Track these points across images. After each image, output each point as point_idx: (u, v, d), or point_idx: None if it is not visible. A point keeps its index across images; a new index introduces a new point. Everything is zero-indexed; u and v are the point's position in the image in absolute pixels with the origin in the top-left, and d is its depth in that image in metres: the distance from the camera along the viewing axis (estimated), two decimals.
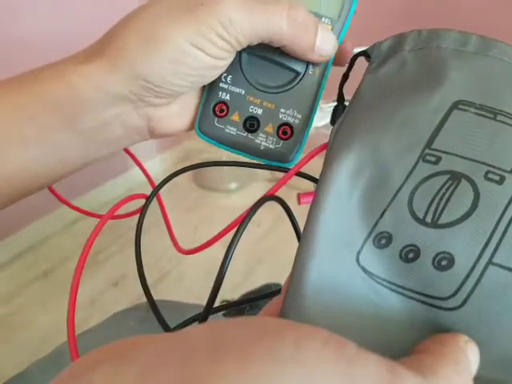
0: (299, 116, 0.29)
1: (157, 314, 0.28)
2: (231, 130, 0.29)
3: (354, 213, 0.19)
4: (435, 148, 0.19)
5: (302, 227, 0.27)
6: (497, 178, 0.19)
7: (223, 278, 0.25)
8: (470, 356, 0.16)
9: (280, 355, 0.12)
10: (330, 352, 0.13)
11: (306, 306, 0.18)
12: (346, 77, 0.28)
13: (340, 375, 0.12)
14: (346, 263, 0.18)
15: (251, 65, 0.29)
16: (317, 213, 0.19)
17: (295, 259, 0.19)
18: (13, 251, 1.23)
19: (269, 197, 0.29)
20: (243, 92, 0.30)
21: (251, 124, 0.29)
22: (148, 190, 0.32)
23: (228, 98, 0.30)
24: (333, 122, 0.28)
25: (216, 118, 0.29)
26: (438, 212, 0.18)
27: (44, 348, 0.39)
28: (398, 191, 0.19)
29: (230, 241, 0.23)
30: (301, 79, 0.29)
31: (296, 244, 0.26)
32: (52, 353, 0.36)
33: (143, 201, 0.32)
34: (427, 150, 0.20)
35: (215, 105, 0.30)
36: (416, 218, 0.18)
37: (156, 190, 0.31)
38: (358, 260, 0.18)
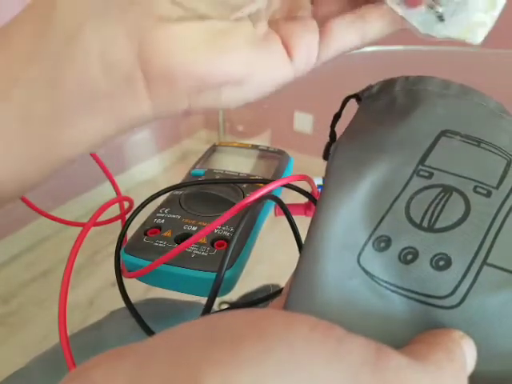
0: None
1: (137, 317, 0.28)
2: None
3: (355, 217, 0.20)
4: (428, 165, 0.22)
5: (300, 227, 0.27)
6: (484, 191, 0.21)
7: (222, 278, 0.25)
8: (464, 349, 0.16)
9: (270, 338, 0.12)
10: (318, 334, 0.13)
11: (309, 309, 0.18)
12: (337, 116, 0.31)
13: (328, 353, 0.13)
14: (348, 264, 0.19)
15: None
16: (322, 217, 0.20)
17: (299, 261, 0.20)
18: (11, 251, 1.22)
19: (266, 196, 0.29)
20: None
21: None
22: (147, 190, 0.32)
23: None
24: (325, 157, 0.30)
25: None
26: (434, 218, 0.20)
27: (42, 348, 0.39)
28: (395, 199, 0.21)
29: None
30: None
31: (294, 244, 0.27)
32: (50, 350, 0.36)
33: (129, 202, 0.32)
34: (421, 166, 0.22)
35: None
36: (413, 223, 0.20)
37: (137, 211, 0.31)
38: (359, 261, 0.19)
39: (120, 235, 0.30)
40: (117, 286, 0.29)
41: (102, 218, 0.30)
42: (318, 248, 0.19)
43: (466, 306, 0.18)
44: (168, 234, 0.29)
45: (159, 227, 0.30)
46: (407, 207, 0.20)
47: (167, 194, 0.34)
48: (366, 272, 0.19)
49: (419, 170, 0.21)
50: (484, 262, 0.19)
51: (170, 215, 0.31)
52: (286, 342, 0.12)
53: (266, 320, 0.13)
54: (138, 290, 0.31)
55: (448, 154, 0.22)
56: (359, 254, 0.19)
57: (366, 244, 0.20)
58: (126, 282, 0.29)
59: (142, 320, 0.27)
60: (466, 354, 0.16)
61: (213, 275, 0.25)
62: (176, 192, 0.34)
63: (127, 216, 0.32)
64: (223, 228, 0.29)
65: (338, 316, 0.18)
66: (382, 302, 0.19)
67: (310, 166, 0.38)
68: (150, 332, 0.27)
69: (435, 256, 0.19)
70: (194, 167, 0.39)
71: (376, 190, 0.21)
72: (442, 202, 0.20)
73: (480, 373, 0.17)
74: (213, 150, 0.42)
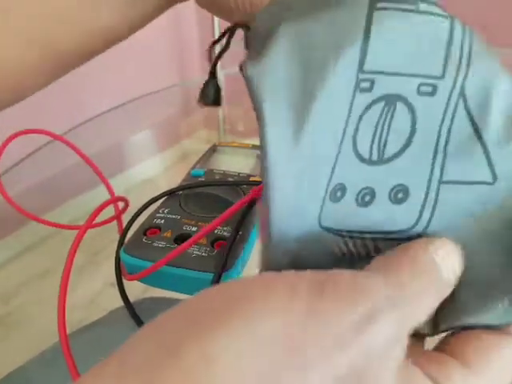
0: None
1: (135, 318, 0.28)
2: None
3: (304, 174, 0.17)
4: (367, 70, 0.17)
5: None
6: (429, 89, 0.18)
7: (219, 278, 0.25)
8: (439, 259, 0.16)
9: (247, 311, 0.12)
10: (299, 303, 0.13)
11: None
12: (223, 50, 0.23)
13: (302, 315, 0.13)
14: (309, 228, 0.18)
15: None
16: (269, 180, 0.17)
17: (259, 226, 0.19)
18: (11, 251, 1.22)
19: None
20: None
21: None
22: (147, 190, 0.32)
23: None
24: (203, 98, 0.24)
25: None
26: (382, 147, 0.18)
27: (42, 347, 0.38)
28: (342, 139, 0.17)
29: None
30: None
31: None
32: (49, 349, 0.36)
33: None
34: (360, 75, 0.17)
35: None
36: (363, 160, 0.18)
37: (135, 215, 0.31)
38: (320, 223, 0.18)
39: (120, 238, 0.30)
40: (116, 286, 0.29)
41: (102, 218, 0.29)
42: (276, 233, 0.17)
43: (431, 230, 0.17)
44: (168, 234, 0.29)
45: (159, 227, 0.30)
46: (354, 143, 0.18)
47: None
48: (329, 229, 0.18)
49: (360, 82, 0.17)
50: (440, 181, 0.18)
51: (170, 215, 0.31)
52: (262, 313, 0.12)
53: (242, 292, 0.13)
54: (136, 289, 0.31)
55: (385, 42, 0.17)
56: (319, 216, 0.18)
57: (323, 201, 0.18)
58: (126, 282, 0.29)
59: (141, 321, 0.27)
60: (444, 263, 0.16)
61: (212, 276, 0.25)
62: (175, 192, 0.34)
63: (123, 216, 0.32)
64: (223, 228, 0.29)
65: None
66: (349, 256, 0.18)
67: None
68: None
69: (392, 190, 0.18)
70: (193, 167, 0.39)
71: (319, 137, 0.17)
72: (387, 122, 0.18)
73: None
74: (213, 149, 0.42)
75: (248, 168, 0.38)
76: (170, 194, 0.33)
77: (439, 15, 0.17)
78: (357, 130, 0.17)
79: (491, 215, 0.18)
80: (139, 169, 0.89)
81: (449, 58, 0.17)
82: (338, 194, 0.18)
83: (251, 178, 0.36)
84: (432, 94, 0.18)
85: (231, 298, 0.13)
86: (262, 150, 0.17)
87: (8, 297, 1.14)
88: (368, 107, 0.17)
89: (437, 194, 0.18)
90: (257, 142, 0.17)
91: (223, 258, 0.26)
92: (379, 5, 0.17)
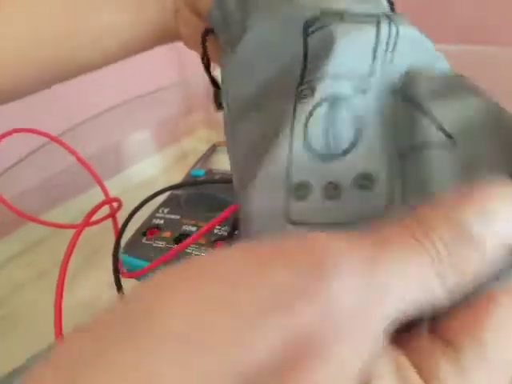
0: None
1: None
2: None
3: (270, 181, 0.19)
4: (306, 80, 0.20)
5: None
6: (364, 87, 0.19)
7: None
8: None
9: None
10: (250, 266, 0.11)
11: None
12: (207, 63, 0.27)
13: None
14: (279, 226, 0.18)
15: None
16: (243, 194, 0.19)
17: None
18: (9, 252, 1.22)
19: None
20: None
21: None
22: (146, 190, 0.32)
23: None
24: (218, 107, 0.27)
25: None
26: (336, 141, 0.18)
27: (42, 348, 0.38)
28: (291, 141, 0.19)
29: None
30: None
31: None
32: (46, 349, 0.35)
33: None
34: (301, 87, 0.20)
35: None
36: (319, 156, 0.18)
37: (131, 214, 0.31)
38: (289, 219, 0.18)
39: (117, 238, 0.30)
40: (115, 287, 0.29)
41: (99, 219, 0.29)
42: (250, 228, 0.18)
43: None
44: (167, 234, 0.29)
45: (158, 228, 0.30)
46: (306, 142, 0.19)
47: (166, 195, 0.33)
48: (300, 224, 0.18)
49: (300, 92, 0.19)
50: (400, 157, 0.18)
51: (170, 216, 0.30)
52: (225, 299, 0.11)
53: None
54: None
55: (321, 51, 0.19)
56: (286, 215, 0.18)
57: (287, 200, 0.18)
58: (125, 282, 0.29)
59: None
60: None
61: None
62: (175, 192, 0.33)
63: (118, 215, 0.32)
64: (223, 228, 0.29)
65: None
66: None
67: None
68: None
69: (356, 179, 0.18)
70: (193, 167, 0.39)
71: (273, 144, 0.19)
72: (334, 121, 0.19)
73: None
74: (212, 149, 0.42)
75: None
76: (166, 191, 0.33)
77: (366, 18, 0.20)
78: (306, 127, 0.19)
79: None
80: (138, 168, 0.89)
81: (376, 54, 0.19)
82: (302, 192, 0.18)
83: None
84: (365, 91, 0.19)
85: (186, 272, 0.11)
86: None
87: (7, 297, 1.13)
88: (312, 110, 0.19)
89: (402, 170, 0.18)
90: None
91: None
92: (310, 30, 0.20)
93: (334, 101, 0.19)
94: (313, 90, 0.19)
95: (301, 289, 0.11)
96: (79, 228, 0.27)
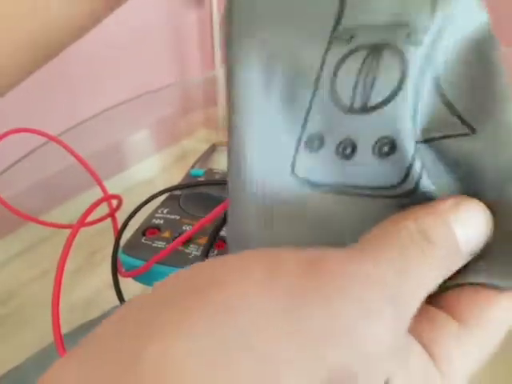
0: None
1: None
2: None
3: (277, 118, 0.17)
4: (345, 26, 0.16)
5: None
6: (420, 38, 0.16)
7: None
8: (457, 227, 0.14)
9: (208, 303, 0.12)
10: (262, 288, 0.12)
11: (245, 232, 0.17)
12: None
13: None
14: (282, 178, 0.17)
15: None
16: (236, 123, 0.17)
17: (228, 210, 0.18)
18: (10, 251, 1.22)
19: None
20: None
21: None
22: (146, 190, 0.32)
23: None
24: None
25: None
26: (366, 94, 0.16)
27: (41, 347, 0.38)
28: (316, 84, 0.16)
29: None
30: None
31: None
32: (45, 349, 0.36)
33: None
34: (335, 33, 0.16)
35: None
36: (343, 108, 0.16)
37: (131, 215, 0.31)
38: (293, 172, 0.17)
39: (116, 237, 0.30)
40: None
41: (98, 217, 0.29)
42: (241, 162, 0.17)
43: (422, 189, 0.16)
44: (167, 234, 0.29)
45: (158, 228, 0.30)
46: (333, 90, 0.16)
47: (166, 195, 0.34)
48: (304, 181, 0.17)
49: (334, 37, 0.16)
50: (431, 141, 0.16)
51: (169, 216, 0.30)
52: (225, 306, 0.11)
53: (205, 280, 0.12)
54: (135, 289, 0.31)
55: None
56: (293, 164, 0.17)
57: (297, 149, 0.17)
58: (124, 283, 0.29)
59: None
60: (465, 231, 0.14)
61: None
62: (175, 192, 0.33)
63: (117, 214, 0.32)
64: (223, 228, 0.29)
65: (278, 237, 0.16)
66: (327, 209, 0.16)
67: None
68: None
69: (377, 142, 0.16)
70: (193, 167, 0.39)
71: (291, 78, 0.17)
72: (373, 69, 0.16)
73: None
74: (212, 149, 0.42)
75: None
76: (166, 192, 0.33)
77: None
78: (335, 76, 0.16)
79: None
80: (137, 168, 0.89)
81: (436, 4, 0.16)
82: (316, 143, 0.17)
83: None
84: (420, 42, 0.16)
85: (195, 288, 0.12)
86: (229, 100, 0.17)
87: (6, 297, 1.13)
88: (347, 56, 0.16)
89: (428, 147, 0.16)
90: None
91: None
92: None
93: (376, 49, 0.16)
94: (350, 38, 0.16)
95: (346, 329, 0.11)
96: (75, 227, 0.27)
